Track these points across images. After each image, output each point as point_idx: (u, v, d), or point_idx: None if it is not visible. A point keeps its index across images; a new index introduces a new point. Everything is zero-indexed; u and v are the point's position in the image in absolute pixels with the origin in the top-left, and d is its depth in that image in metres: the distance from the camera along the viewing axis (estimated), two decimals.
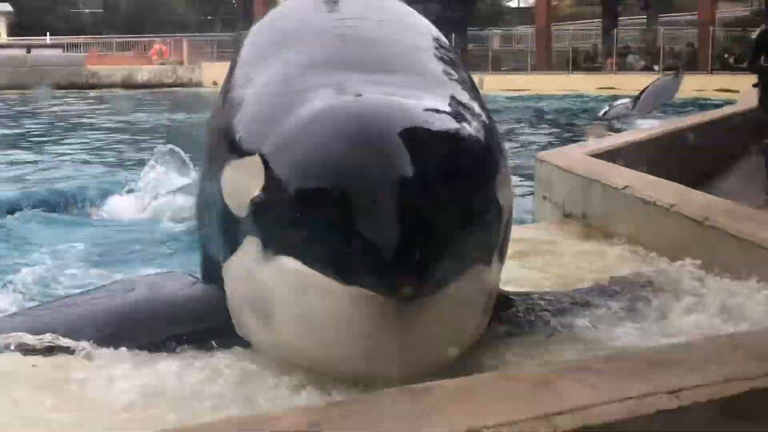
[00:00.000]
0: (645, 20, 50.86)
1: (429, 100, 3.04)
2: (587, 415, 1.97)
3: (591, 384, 2.13)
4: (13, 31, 52.30)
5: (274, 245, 2.75)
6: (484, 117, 3.32)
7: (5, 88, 34.02)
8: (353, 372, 2.80)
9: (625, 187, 5.53)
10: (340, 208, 2.48)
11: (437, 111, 2.96)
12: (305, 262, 2.57)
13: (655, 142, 9.53)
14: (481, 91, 4.08)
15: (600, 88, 30.75)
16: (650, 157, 8.64)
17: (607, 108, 21.43)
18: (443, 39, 4.35)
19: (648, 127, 13.35)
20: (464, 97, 3.41)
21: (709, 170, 11.05)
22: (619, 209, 5.56)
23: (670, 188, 5.44)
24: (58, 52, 46.22)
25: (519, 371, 2.26)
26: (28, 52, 43.42)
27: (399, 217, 2.40)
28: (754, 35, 10.51)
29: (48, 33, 51.98)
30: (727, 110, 14.99)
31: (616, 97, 22.82)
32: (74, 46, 48.85)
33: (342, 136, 2.68)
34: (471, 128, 3.00)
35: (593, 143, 9.60)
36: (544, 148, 14.10)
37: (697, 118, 13.66)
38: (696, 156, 10.24)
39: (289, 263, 2.66)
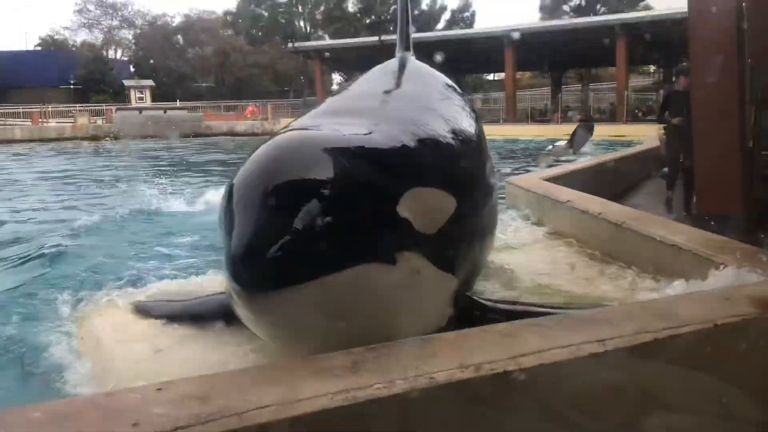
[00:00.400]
0: (580, 88, 50.65)
1: (359, 134, 2.51)
2: (542, 356, 1.95)
3: (545, 335, 2.10)
4: (154, 98, 52.76)
5: None
6: (409, 149, 2.64)
7: (150, 137, 34.42)
8: (277, 341, 2.42)
9: (568, 201, 5.49)
10: (235, 221, 2.10)
11: (346, 143, 2.38)
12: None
13: (587, 170, 9.46)
14: None
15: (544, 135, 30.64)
16: (584, 180, 8.57)
17: (550, 146, 21.55)
18: (457, 100, 3.89)
19: (582, 160, 13.28)
20: (411, 134, 2.74)
21: (624, 190, 10.97)
22: (564, 217, 5.52)
23: (597, 201, 5.38)
24: (184, 112, 46.60)
25: (494, 326, 2.23)
26: (165, 112, 43.84)
27: (260, 226, 2.02)
28: (660, 97, 10.40)
29: (178, 99, 52.55)
30: (636, 149, 14.83)
31: (555, 140, 22.79)
32: (195, 108, 49.23)
33: (250, 163, 2.25)
34: (371, 154, 2.39)
35: (545, 171, 9.56)
36: (515, 170, 14.15)
37: (616, 154, 13.55)
38: (615, 180, 10.18)
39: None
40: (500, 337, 2.11)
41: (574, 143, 20.24)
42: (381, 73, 4.16)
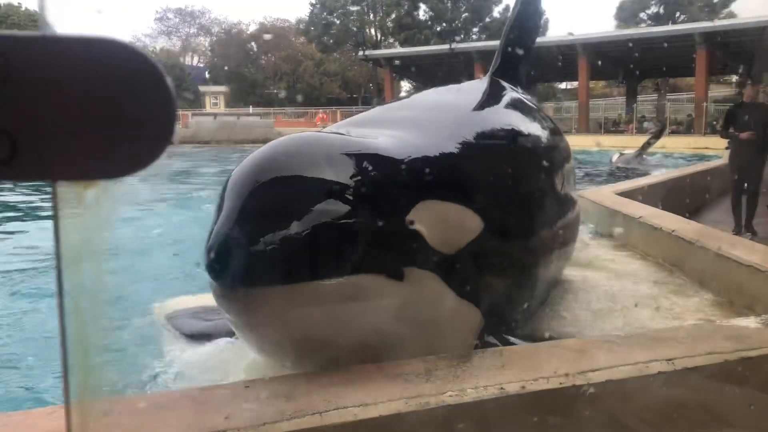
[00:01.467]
0: (656, 98, 49.26)
1: (371, 139, 2.34)
2: (610, 372, 2.01)
3: (613, 352, 2.16)
4: (228, 104, 54.38)
5: None
6: (429, 159, 2.42)
7: (224, 142, 35.46)
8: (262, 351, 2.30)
9: (640, 216, 5.45)
10: (217, 215, 2.00)
11: (351, 145, 2.22)
12: None
13: (661, 185, 9.27)
14: None
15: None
16: (658, 195, 8.42)
17: (618, 154, 21.11)
18: (530, 124, 3.64)
19: (658, 173, 12.97)
20: (438, 146, 2.54)
21: (700, 205, 10.68)
22: (636, 232, 5.47)
23: (671, 218, 5.32)
24: (256, 118, 47.76)
25: (565, 341, 2.29)
26: (238, 118, 45.15)
27: (237, 221, 1.91)
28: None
29: (250, 106, 54.01)
30: (714, 162, 14.39)
31: (624, 149, 22.32)
32: (266, 115, 50.43)
33: (244, 161, 2.13)
34: (363, 163, 2.13)
35: (617, 185, 9.40)
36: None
37: (693, 167, 13.19)
38: (691, 195, 9.91)
39: None
40: (570, 353, 2.18)
41: (643, 152, 19.83)
42: (450, 88, 3.98)
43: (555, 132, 4.01)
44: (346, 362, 2.10)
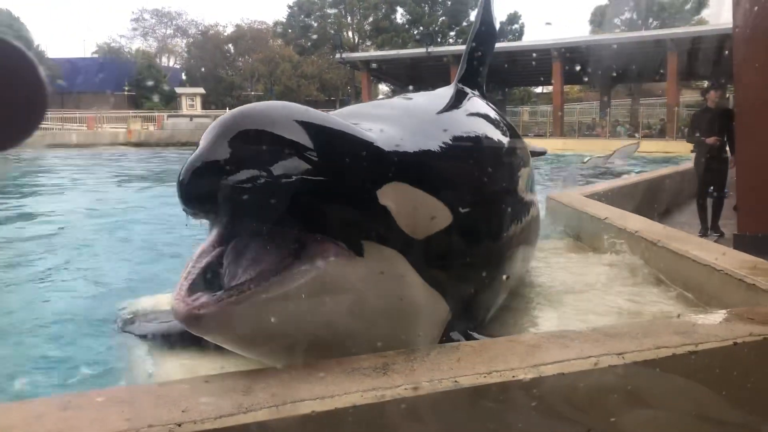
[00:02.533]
0: (630, 102, 49.95)
1: (342, 117, 2.34)
2: (563, 365, 2.07)
3: (567, 346, 2.22)
4: (204, 105, 54.07)
5: None
6: (404, 146, 2.47)
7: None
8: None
9: (606, 218, 5.54)
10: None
11: (323, 116, 2.21)
12: None
13: (629, 188, 9.42)
14: None
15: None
16: (626, 197, 8.56)
17: (588, 157, 21.73)
18: (497, 132, 3.74)
19: (625, 176, 13.16)
20: (411, 137, 2.59)
21: (668, 208, 10.87)
22: (601, 232, 5.57)
23: (636, 219, 5.42)
24: None
25: (520, 336, 2.35)
26: (214, 119, 44.82)
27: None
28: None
29: (227, 107, 53.68)
30: (683, 166, 14.63)
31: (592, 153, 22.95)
32: None
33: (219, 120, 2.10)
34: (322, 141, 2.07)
35: (586, 187, 9.54)
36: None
37: (661, 170, 13.38)
38: (659, 197, 10.09)
39: None
40: (524, 347, 2.24)
41: (612, 156, 20.56)
42: (419, 94, 4.13)
43: (515, 136, 4.16)
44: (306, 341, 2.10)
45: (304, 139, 2.02)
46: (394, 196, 2.24)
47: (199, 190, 1.90)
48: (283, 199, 1.93)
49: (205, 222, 2.16)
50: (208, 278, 2.04)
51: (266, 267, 1.99)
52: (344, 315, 2.16)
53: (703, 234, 8.76)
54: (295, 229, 2.04)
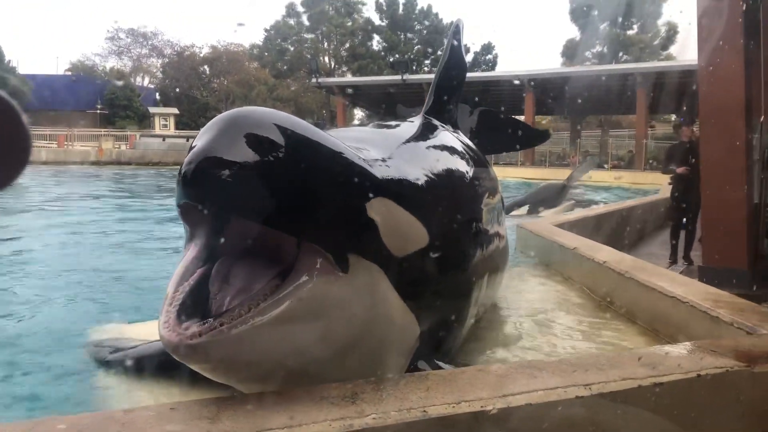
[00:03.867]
0: (600, 134, 50.94)
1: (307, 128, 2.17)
2: (530, 396, 2.08)
3: (535, 377, 2.23)
4: (177, 126, 53.75)
5: None
6: (387, 164, 2.50)
7: (173, 165, 35.07)
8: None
9: (575, 247, 5.62)
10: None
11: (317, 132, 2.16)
12: None
13: (598, 218, 9.56)
14: None
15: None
16: (595, 227, 8.69)
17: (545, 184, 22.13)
18: (468, 161, 3.77)
19: (595, 207, 13.36)
20: (394, 159, 2.63)
21: (637, 238, 11.05)
22: (570, 262, 5.64)
23: (604, 250, 5.50)
24: None
25: (489, 366, 2.36)
26: (188, 140, 44.67)
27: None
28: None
29: (201, 128, 53.43)
30: (652, 197, 14.92)
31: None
32: None
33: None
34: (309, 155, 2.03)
35: (556, 216, 9.67)
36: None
37: (631, 202, 13.63)
38: (628, 228, 10.26)
39: None
40: (493, 377, 2.25)
41: (569, 180, 20.92)
42: (388, 123, 4.06)
43: (485, 165, 4.25)
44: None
45: (302, 143, 2.02)
46: (380, 211, 2.23)
47: (200, 181, 1.88)
48: (278, 200, 1.91)
49: (195, 228, 2.11)
50: (194, 302, 1.97)
51: (257, 288, 1.95)
52: (335, 334, 2.11)
53: (672, 262, 8.96)
54: (284, 241, 2.01)
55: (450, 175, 3.31)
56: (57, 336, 4.25)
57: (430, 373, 2.31)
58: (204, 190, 1.89)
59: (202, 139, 1.95)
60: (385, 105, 43.96)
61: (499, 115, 5.87)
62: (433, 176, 2.96)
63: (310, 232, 2.00)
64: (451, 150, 3.72)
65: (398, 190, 2.48)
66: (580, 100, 40.69)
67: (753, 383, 2.40)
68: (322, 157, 2.09)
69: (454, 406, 1.98)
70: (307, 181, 1.98)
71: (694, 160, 8.53)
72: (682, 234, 9.19)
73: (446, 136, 3.97)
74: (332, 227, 2.07)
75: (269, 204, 1.90)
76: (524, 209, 14.26)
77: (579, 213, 10.83)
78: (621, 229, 9.83)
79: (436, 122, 4.16)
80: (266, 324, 1.89)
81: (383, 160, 2.53)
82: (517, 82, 39.60)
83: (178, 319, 1.89)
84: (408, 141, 3.36)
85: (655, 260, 7.65)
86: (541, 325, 4.23)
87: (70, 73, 63.63)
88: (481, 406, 1.99)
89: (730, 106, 5.91)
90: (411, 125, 3.83)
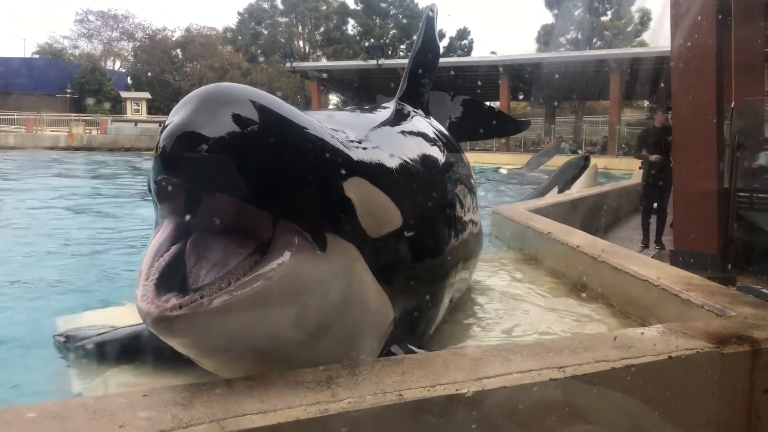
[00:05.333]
0: (574, 120, 51.34)
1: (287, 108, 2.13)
2: (505, 379, 2.09)
3: (509, 360, 2.25)
4: (150, 111, 53.00)
5: None
6: (362, 146, 2.52)
7: (144, 150, 34.64)
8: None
9: (549, 232, 5.65)
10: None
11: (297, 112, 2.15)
12: None
13: (571, 203, 9.64)
14: None
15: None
16: (569, 212, 8.77)
17: (507, 168, 22.95)
18: (441, 145, 3.80)
19: (568, 192, 13.47)
20: (368, 140, 2.65)
21: (611, 223, 11.18)
22: (544, 247, 5.68)
23: (577, 234, 5.55)
24: None
25: (463, 349, 2.36)
26: (160, 125, 44.09)
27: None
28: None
29: None
30: (625, 182, 15.09)
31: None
32: None
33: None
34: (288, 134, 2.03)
35: (530, 202, 9.74)
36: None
37: (604, 187, 13.75)
38: (601, 213, 10.39)
39: None
40: (467, 360, 2.25)
41: (527, 165, 21.56)
42: (363, 107, 4.21)
43: (458, 150, 4.26)
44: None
45: (280, 119, 2.02)
46: (357, 190, 2.24)
47: (179, 156, 1.86)
48: (257, 176, 1.90)
49: (170, 204, 2.06)
50: (170, 276, 1.94)
51: (233, 263, 1.94)
52: (312, 311, 2.10)
53: (645, 246, 9.08)
54: (262, 217, 1.99)
55: (423, 159, 3.31)
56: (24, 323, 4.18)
57: (406, 357, 2.31)
58: (183, 164, 1.86)
59: (178, 114, 1.93)
60: (361, 90, 43.81)
61: (479, 104, 5.80)
62: (407, 160, 2.97)
63: (288, 208, 1.99)
64: (425, 135, 3.73)
65: (374, 172, 2.48)
66: (554, 86, 40.93)
67: (722, 364, 2.45)
68: (299, 133, 2.09)
69: (429, 390, 1.98)
70: (284, 157, 1.97)
71: (664, 145, 8.65)
72: (654, 218, 9.32)
73: (420, 121, 4.00)
74: (309, 205, 2.06)
75: (248, 179, 1.88)
76: (555, 190, 14.30)
77: (552, 198, 10.89)
78: (595, 214, 9.95)
79: (409, 108, 4.19)
80: (246, 298, 1.88)
81: (359, 142, 2.54)
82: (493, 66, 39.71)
83: (157, 293, 1.86)
84: (382, 125, 3.37)
85: (628, 244, 7.76)
86: (515, 309, 4.26)
87: (37, 56, 62.33)
88: (456, 389, 2.00)
89: (702, 93, 5.98)
90: (385, 110, 3.83)
